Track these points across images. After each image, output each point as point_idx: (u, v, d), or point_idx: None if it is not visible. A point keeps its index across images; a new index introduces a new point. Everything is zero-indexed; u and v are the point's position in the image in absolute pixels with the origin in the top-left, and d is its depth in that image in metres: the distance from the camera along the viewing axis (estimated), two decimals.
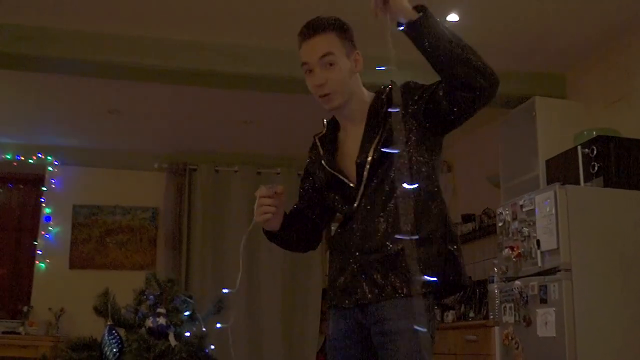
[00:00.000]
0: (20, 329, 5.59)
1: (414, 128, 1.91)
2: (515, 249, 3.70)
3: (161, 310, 1.70)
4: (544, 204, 3.55)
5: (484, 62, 1.76)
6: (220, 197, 6.45)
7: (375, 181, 1.92)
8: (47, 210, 6.35)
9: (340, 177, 1.97)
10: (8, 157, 6.34)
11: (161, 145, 6.36)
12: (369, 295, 1.86)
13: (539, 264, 3.52)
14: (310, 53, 1.93)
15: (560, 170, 3.91)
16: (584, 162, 3.73)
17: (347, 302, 1.92)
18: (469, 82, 1.76)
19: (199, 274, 6.23)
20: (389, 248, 1.86)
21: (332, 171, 1.98)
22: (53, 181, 6.41)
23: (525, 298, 3.59)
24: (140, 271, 5.80)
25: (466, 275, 1.94)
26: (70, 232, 6.29)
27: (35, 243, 6.33)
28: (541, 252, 3.51)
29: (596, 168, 3.64)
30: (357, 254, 1.91)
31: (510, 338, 3.69)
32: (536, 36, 4.15)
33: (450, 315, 4.89)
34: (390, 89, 1.95)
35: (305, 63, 1.94)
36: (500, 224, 3.97)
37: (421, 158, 1.92)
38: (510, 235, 3.82)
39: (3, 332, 5.60)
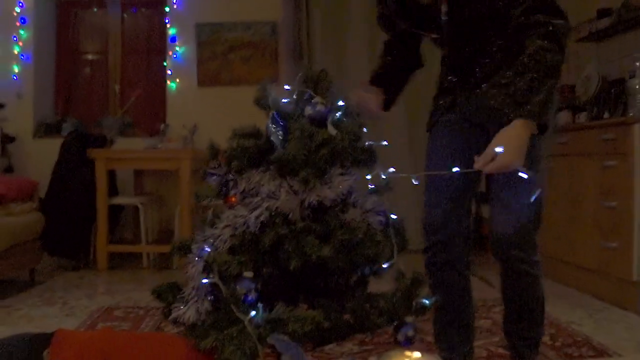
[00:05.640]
0: (160, 145, 5.88)
1: None
2: None
3: (318, 99, 1.71)
4: None
5: (558, 53, 1.81)
6: (339, 6, 6.27)
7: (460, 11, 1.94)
8: (171, 31, 6.48)
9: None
10: None
11: None
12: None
13: None
14: None
15: None
16: None
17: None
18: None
19: None
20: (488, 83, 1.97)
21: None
22: (174, 1, 6.48)
23: None
24: None
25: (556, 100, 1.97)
26: (195, 51, 6.43)
27: (165, 64, 6.57)
28: None
29: None
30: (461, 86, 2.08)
31: None
32: None
33: (582, 117, 4.65)
34: None
35: None
36: None
37: None
38: None
39: (145, 148, 5.97)
